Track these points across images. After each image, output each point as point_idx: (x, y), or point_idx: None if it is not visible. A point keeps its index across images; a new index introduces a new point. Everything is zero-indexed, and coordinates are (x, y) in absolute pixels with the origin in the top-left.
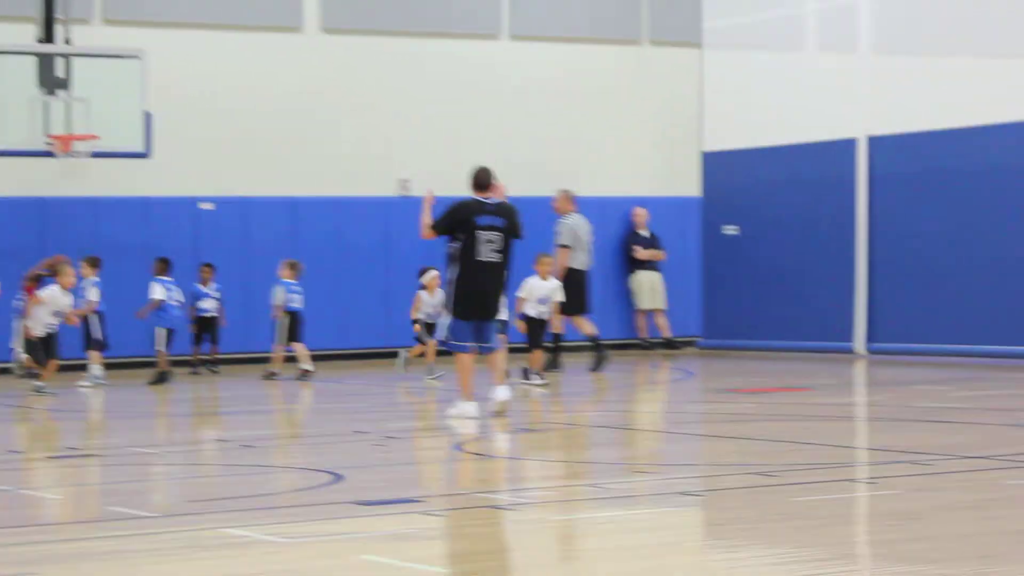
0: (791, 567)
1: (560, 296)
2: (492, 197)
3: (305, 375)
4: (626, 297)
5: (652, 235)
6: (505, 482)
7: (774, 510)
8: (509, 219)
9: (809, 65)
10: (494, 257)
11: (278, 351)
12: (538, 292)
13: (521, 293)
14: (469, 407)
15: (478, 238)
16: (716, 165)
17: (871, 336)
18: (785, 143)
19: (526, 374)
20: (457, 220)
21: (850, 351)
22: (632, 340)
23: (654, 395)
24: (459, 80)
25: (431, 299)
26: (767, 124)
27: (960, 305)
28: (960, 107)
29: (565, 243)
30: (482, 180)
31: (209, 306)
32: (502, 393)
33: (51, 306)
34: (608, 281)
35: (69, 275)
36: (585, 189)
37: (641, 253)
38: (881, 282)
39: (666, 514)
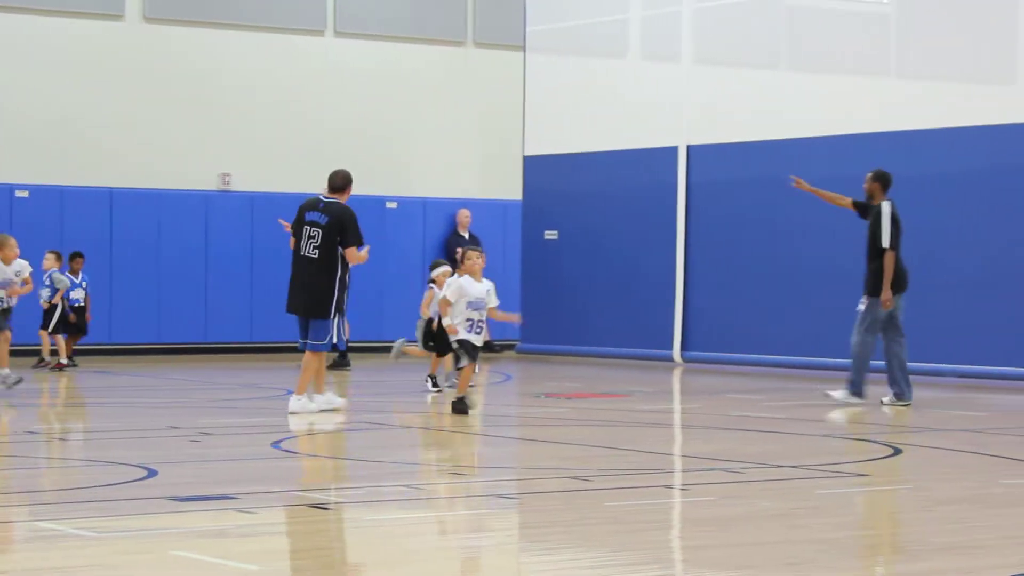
0: (606, 570)
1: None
2: (337, 198)
3: (60, 367)
4: None
5: (473, 237)
6: (322, 481)
7: (590, 514)
8: (333, 218)
9: (632, 72)
10: (311, 253)
11: (57, 341)
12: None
13: (449, 295)
14: (307, 402)
15: (304, 233)
16: (537, 169)
17: (686, 344)
18: (606, 149)
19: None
20: (296, 217)
21: (670, 359)
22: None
23: (472, 398)
24: (283, 75)
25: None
26: (589, 130)
27: (774, 315)
28: (779, 119)
29: None
30: (332, 182)
31: (79, 296)
32: (293, 403)
33: None
34: None
35: None
36: (409, 189)
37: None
38: (697, 290)
39: (482, 516)
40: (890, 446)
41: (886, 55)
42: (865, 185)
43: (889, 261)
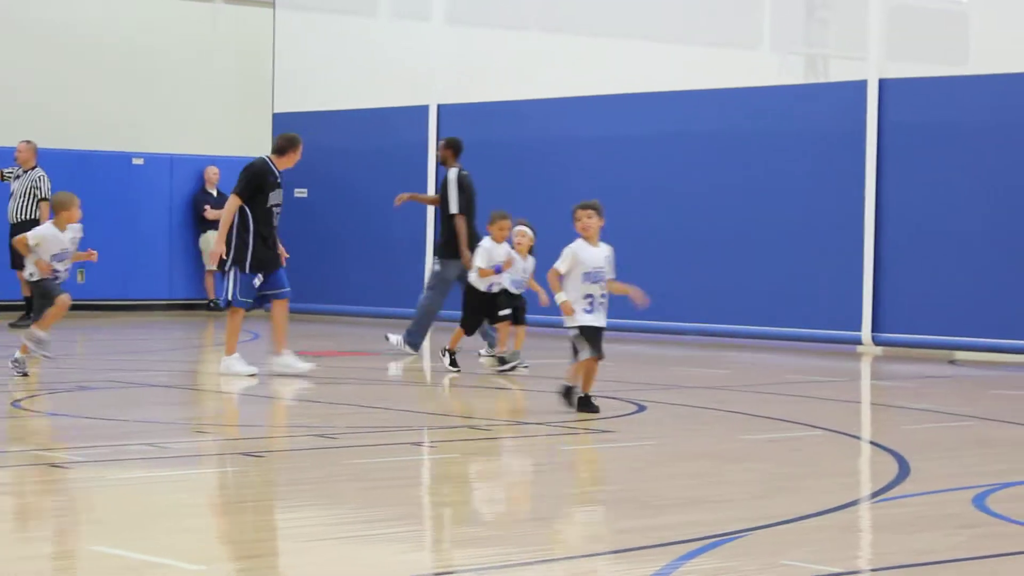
0: (350, 527)
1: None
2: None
3: None
4: (197, 257)
5: (222, 195)
6: (62, 440)
7: (335, 471)
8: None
9: (382, 31)
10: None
11: None
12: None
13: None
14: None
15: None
16: (287, 127)
17: None
18: (357, 107)
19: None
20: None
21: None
22: (202, 300)
23: (219, 356)
24: (25, 28)
25: (521, 262)
26: (340, 88)
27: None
28: (529, 79)
29: (46, 197)
30: (277, 144)
31: None
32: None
33: None
34: (178, 241)
35: None
36: (156, 146)
37: (210, 213)
38: None
39: (227, 474)
40: (634, 403)
41: (634, 17)
42: (439, 152)
43: (461, 225)
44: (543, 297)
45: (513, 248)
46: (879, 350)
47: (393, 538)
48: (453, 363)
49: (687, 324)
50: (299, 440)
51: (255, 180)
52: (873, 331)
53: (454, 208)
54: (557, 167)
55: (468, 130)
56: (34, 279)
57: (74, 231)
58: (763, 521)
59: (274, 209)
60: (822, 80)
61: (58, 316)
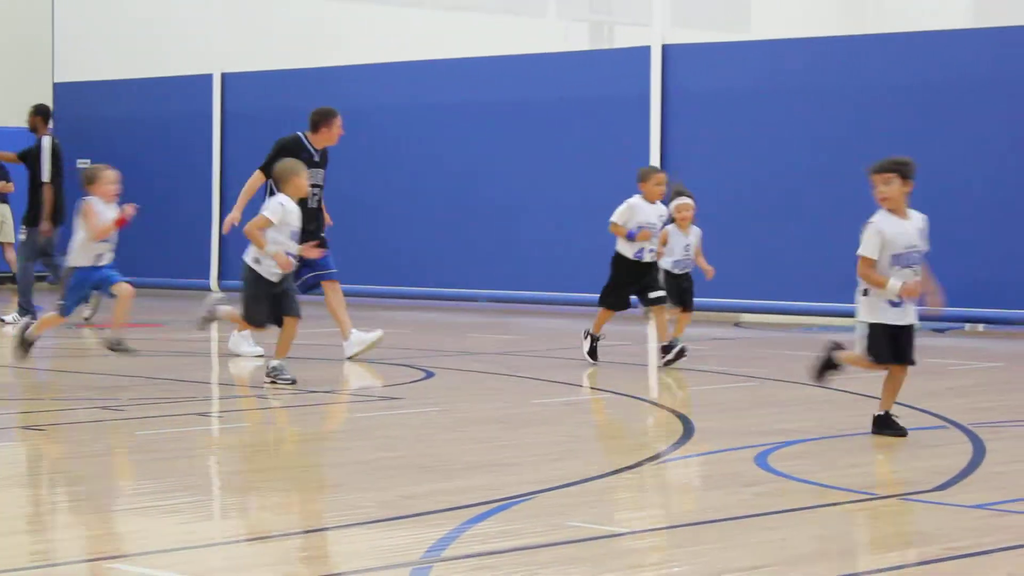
0: (131, 499)
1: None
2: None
3: None
4: None
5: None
6: None
7: (119, 443)
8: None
9: None
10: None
11: None
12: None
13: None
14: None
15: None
16: (69, 96)
17: (224, 274)
18: (140, 76)
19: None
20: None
21: (207, 288)
22: None
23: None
24: None
25: (683, 238)
26: (122, 57)
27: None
28: (313, 47)
29: None
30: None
31: None
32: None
33: None
34: None
35: None
36: None
37: None
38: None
39: (5, 447)
40: (423, 370)
41: None
42: (28, 119)
43: (48, 193)
44: (710, 273)
45: (674, 222)
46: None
47: (175, 509)
48: (592, 352)
49: (477, 291)
50: (82, 412)
51: (280, 155)
52: None
53: (46, 176)
54: (346, 137)
55: (253, 98)
56: None
57: None
58: (550, 484)
59: (311, 189)
60: (607, 47)
61: None
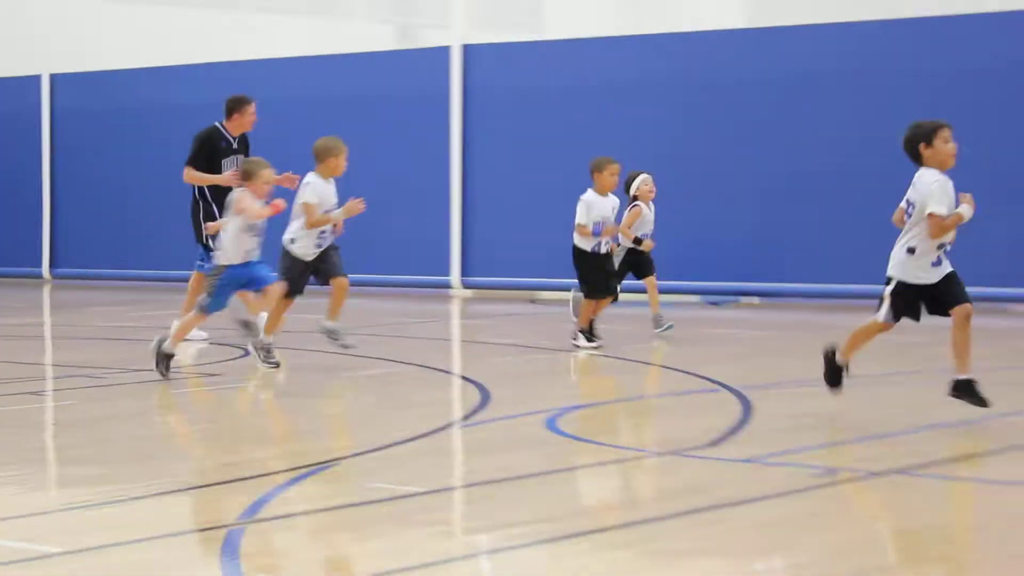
0: None
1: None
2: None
3: None
4: None
5: None
6: None
7: None
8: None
9: None
10: None
11: None
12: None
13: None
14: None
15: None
16: None
17: (57, 262)
18: None
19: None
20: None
21: (39, 276)
22: None
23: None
24: None
25: (648, 214)
26: None
27: (136, 234)
28: (143, 49)
29: None
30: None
31: None
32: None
33: None
34: None
35: None
36: None
37: None
38: (65, 213)
39: None
40: (241, 348)
41: None
42: None
43: None
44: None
45: (640, 201)
46: (469, 292)
47: (7, 481)
48: (590, 339)
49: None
50: None
51: (203, 148)
52: (462, 275)
53: None
54: (171, 134)
55: (83, 99)
56: None
57: None
58: (357, 450)
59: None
60: (411, 47)
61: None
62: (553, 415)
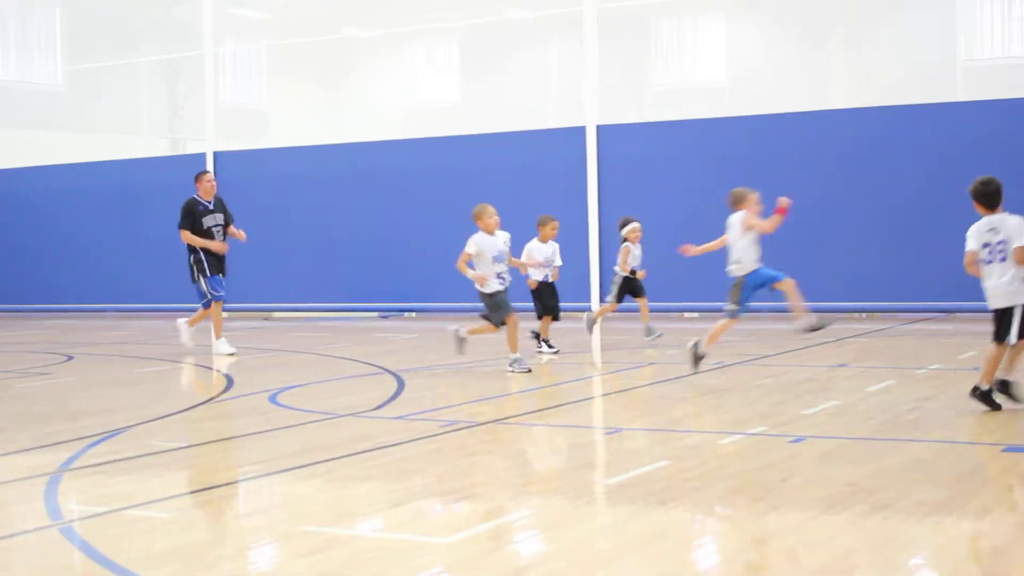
0: None
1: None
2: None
3: None
4: None
5: None
6: None
7: None
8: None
9: None
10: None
11: None
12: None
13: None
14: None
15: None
16: None
17: None
18: None
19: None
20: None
21: None
22: None
23: None
24: None
25: (636, 252)
26: None
27: None
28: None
29: None
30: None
31: None
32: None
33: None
34: None
35: None
36: None
37: None
38: None
39: None
40: (65, 355)
41: None
42: None
43: None
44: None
45: (629, 242)
46: None
47: None
48: (545, 344)
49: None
50: None
51: (185, 214)
52: None
53: None
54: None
55: None
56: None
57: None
58: (145, 419)
59: (212, 229)
60: (180, 153)
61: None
62: (274, 393)
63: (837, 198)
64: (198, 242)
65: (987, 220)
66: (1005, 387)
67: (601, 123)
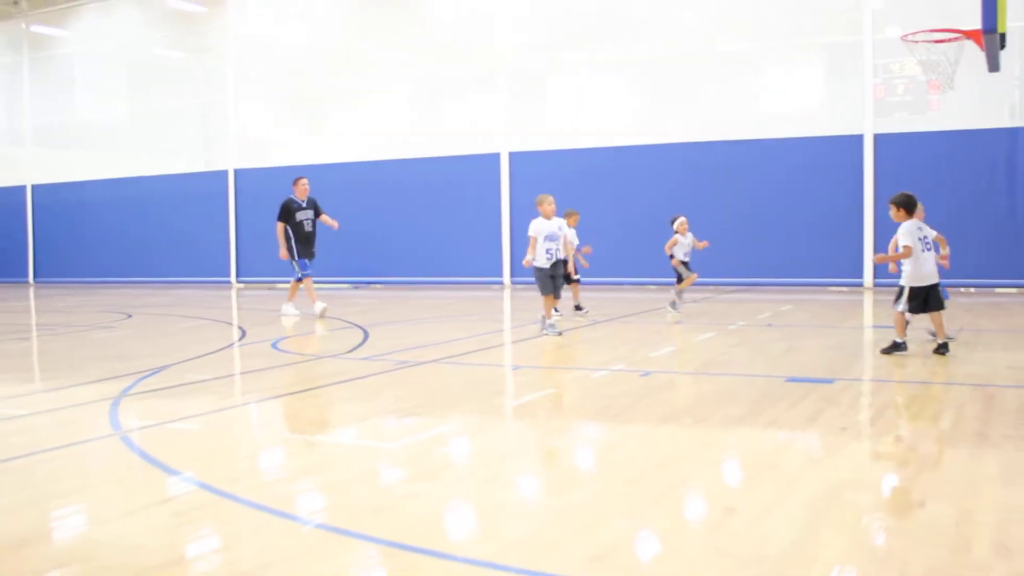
0: None
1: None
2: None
3: None
4: None
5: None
6: None
7: None
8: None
9: None
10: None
11: None
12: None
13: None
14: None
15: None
16: None
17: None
18: None
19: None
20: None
21: None
22: None
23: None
24: None
25: (685, 240)
26: None
27: None
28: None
29: None
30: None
31: None
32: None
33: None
34: None
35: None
36: None
37: None
38: None
39: None
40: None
41: None
42: None
43: None
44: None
45: (678, 233)
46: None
47: None
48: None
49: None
50: None
51: (284, 209)
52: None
53: None
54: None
55: None
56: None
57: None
58: (181, 359)
59: (304, 222)
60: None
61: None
62: (275, 340)
63: (672, 206)
64: (281, 241)
65: (914, 222)
66: (944, 348)
67: (512, 150)
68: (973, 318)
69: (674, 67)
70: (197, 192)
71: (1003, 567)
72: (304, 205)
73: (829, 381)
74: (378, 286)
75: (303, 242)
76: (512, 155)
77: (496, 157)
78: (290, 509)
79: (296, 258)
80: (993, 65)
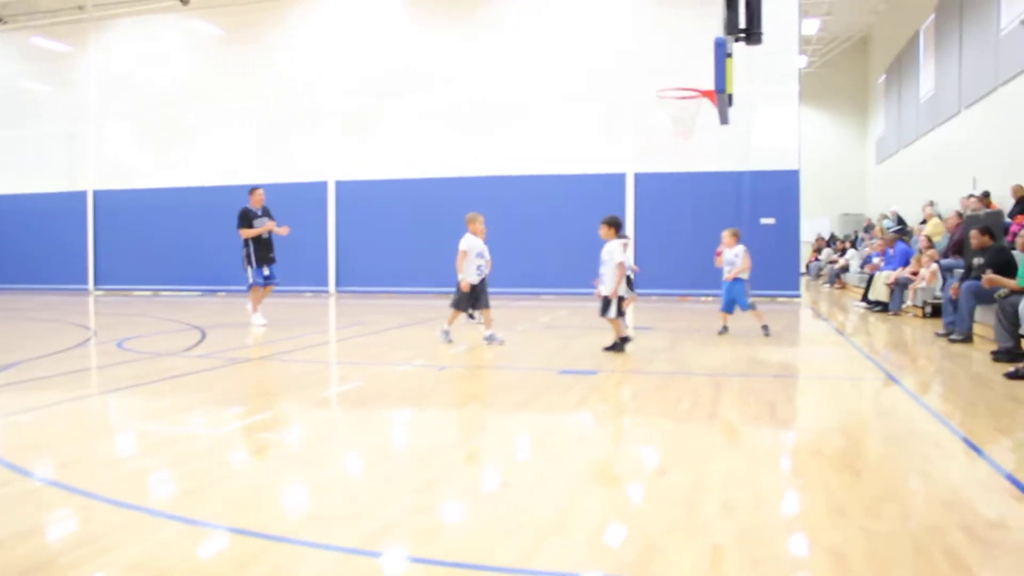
0: None
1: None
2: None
3: None
4: None
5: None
6: None
7: None
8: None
9: None
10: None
11: None
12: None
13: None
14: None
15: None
16: None
17: None
18: None
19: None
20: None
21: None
22: None
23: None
24: None
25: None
26: None
27: None
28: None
29: None
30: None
31: None
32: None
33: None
34: None
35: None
36: None
37: None
38: None
39: None
40: None
41: None
42: None
43: None
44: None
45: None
46: None
47: None
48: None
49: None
50: None
51: (243, 216)
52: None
53: None
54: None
55: None
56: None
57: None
58: (33, 357)
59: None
60: (73, 190)
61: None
62: (121, 341)
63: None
64: (251, 233)
65: (620, 241)
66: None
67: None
68: (706, 320)
69: (473, 114)
70: (59, 209)
71: (727, 522)
72: (259, 214)
73: (594, 372)
74: (222, 294)
75: (262, 248)
76: (338, 183)
77: (324, 185)
78: (113, 494)
79: (255, 266)
80: (724, 119)
